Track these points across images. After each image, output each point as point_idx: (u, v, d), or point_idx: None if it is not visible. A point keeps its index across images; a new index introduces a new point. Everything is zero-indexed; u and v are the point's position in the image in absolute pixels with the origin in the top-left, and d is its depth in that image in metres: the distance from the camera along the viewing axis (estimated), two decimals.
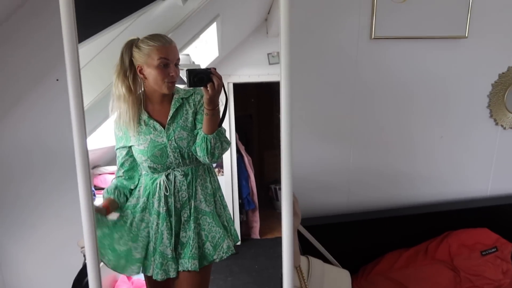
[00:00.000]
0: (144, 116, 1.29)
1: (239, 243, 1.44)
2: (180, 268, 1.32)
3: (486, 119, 2.27)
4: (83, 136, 0.78)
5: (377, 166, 2.16)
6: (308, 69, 2.01)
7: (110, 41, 1.56)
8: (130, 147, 1.32)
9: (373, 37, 1.96)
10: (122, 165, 1.35)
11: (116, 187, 1.35)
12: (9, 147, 1.25)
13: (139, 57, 1.25)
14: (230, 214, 1.43)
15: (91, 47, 1.53)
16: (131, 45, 1.26)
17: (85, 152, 0.78)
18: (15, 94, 1.14)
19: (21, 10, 0.97)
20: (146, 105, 1.30)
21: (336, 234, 2.03)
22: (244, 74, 2.73)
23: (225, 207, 1.42)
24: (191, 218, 1.31)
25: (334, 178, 2.11)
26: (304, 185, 2.01)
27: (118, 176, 1.37)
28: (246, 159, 3.39)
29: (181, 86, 1.38)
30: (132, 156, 1.34)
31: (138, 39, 1.27)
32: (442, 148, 2.24)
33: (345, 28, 1.98)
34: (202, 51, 2.44)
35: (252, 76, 2.75)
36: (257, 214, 3.46)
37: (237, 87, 2.49)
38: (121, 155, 1.35)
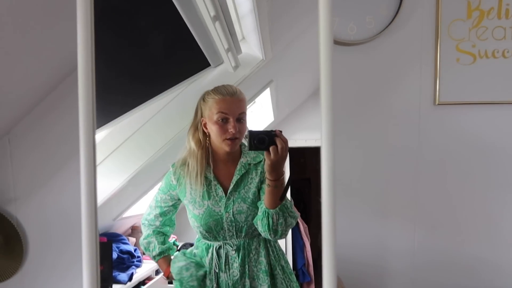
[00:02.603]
0: (208, 174, 1.19)
1: None
2: None
3: None
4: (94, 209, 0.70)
5: (448, 250, 1.91)
6: (365, 137, 1.92)
7: (158, 110, 1.57)
8: (178, 199, 1.24)
9: (437, 102, 1.83)
10: (163, 214, 1.27)
11: (169, 247, 1.29)
12: (44, 218, 1.26)
13: (204, 110, 1.17)
14: (296, 281, 1.27)
15: (139, 116, 1.55)
16: (203, 96, 1.20)
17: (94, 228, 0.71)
18: (39, 176, 1.16)
19: (62, 83, 1.00)
20: (211, 161, 1.20)
21: None
22: (300, 138, 2.66)
23: (291, 275, 1.25)
24: None
25: (395, 263, 1.86)
26: (358, 270, 1.80)
27: (152, 225, 1.28)
28: (302, 226, 3.21)
29: None
30: (176, 208, 1.27)
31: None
32: None
33: (405, 92, 1.89)
34: (257, 115, 2.43)
35: (309, 140, 2.67)
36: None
37: (294, 149, 2.41)
38: (165, 203, 1.26)
